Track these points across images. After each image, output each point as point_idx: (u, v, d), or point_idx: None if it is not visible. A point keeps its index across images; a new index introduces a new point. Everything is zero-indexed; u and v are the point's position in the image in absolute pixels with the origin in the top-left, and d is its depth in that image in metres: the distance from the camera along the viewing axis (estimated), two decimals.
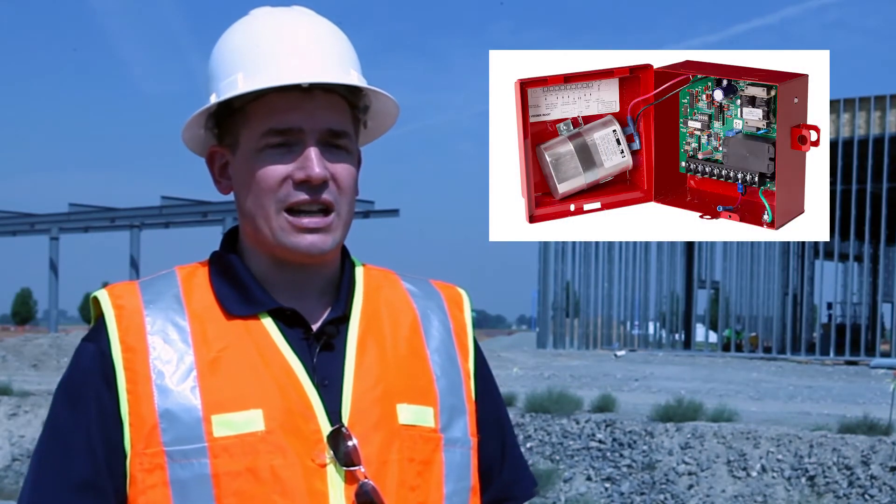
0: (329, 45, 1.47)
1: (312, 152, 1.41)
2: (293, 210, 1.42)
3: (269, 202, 1.42)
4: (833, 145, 27.15)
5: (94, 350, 1.42)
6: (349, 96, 1.47)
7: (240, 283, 1.46)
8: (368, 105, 1.51)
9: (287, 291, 1.47)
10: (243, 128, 1.44)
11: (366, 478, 1.38)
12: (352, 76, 1.46)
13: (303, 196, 1.41)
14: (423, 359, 1.51)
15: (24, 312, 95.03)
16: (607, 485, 11.54)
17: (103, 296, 1.46)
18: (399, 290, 1.57)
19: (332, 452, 1.38)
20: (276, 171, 1.41)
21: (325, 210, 1.43)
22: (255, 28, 1.47)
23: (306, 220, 1.42)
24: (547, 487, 11.48)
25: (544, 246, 36.13)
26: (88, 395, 1.41)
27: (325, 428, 1.39)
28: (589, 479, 11.69)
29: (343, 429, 1.39)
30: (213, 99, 1.45)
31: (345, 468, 1.38)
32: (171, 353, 1.40)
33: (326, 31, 1.48)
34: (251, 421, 1.37)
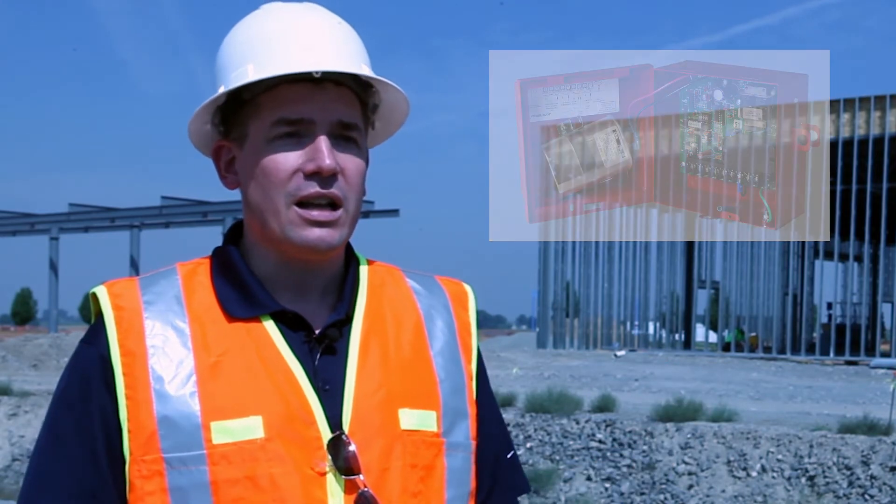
0: (341, 39, 1.45)
1: (323, 143, 1.39)
2: (303, 204, 1.40)
3: (279, 195, 1.40)
4: (833, 145, 26.98)
5: (95, 354, 1.40)
6: (360, 92, 1.46)
7: (242, 283, 1.44)
8: (378, 104, 1.50)
9: (290, 291, 1.45)
10: (253, 119, 1.42)
11: (365, 486, 1.36)
12: (363, 70, 1.45)
13: (313, 189, 1.39)
14: (426, 361, 1.48)
15: (24, 312, 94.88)
16: (607, 485, 11.53)
17: (102, 294, 1.43)
18: (403, 289, 1.54)
19: (331, 460, 1.36)
20: (287, 162, 1.40)
21: (334, 205, 1.41)
22: (265, 21, 1.45)
23: (316, 213, 1.40)
24: (547, 487, 11.47)
25: (544, 246, 36.06)
26: (92, 402, 1.39)
27: (326, 434, 1.37)
28: (589, 479, 11.68)
29: (343, 436, 1.37)
30: (223, 90, 1.43)
31: (344, 476, 1.36)
32: (170, 357, 1.38)
33: (338, 26, 1.47)
34: (250, 428, 1.35)
